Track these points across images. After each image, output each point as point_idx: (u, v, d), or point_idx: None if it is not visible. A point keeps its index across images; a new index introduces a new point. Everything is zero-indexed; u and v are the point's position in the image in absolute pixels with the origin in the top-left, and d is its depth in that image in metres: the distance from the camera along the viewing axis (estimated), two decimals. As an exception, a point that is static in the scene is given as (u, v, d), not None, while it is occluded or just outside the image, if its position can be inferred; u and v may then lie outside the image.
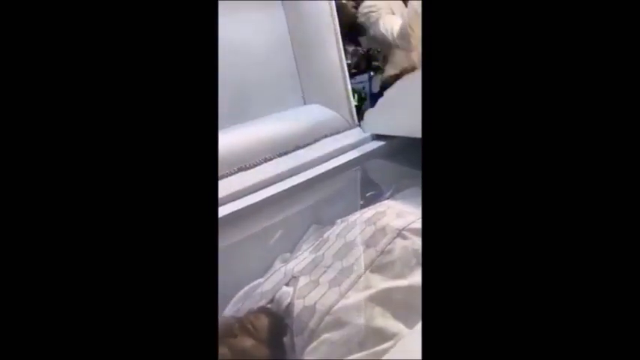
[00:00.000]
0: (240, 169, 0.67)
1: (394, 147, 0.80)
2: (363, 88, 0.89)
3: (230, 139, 0.70)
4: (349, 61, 0.81)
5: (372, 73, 0.87)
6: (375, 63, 0.84)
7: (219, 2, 0.72)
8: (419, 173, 0.35)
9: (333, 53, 0.76)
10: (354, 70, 0.79)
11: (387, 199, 0.71)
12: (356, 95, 0.82)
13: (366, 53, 0.84)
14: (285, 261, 0.64)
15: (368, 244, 0.54)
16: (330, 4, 0.74)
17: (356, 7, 1.00)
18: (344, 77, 0.78)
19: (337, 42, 0.76)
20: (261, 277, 0.62)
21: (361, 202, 0.76)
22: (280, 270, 0.58)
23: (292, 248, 0.70)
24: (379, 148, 0.79)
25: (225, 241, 0.66)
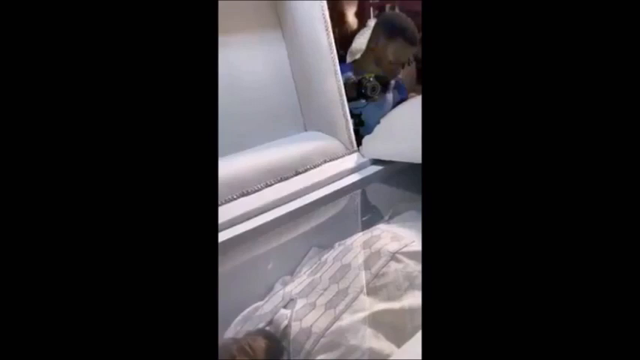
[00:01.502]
0: (243, 195, 0.70)
1: (392, 171, 0.83)
2: (360, 113, 0.93)
3: (233, 166, 0.73)
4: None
5: (363, 101, 0.91)
6: (365, 91, 0.88)
7: (227, 36, 0.76)
8: (415, 197, 0.36)
9: (332, 82, 0.80)
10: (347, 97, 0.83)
11: (385, 222, 0.74)
12: (354, 119, 0.86)
13: (357, 82, 0.88)
14: (286, 284, 0.66)
15: (363, 267, 0.56)
16: (328, 36, 0.78)
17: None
18: (342, 105, 0.82)
19: (335, 72, 0.80)
20: (262, 299, 0.63)
21: (360, 226, 0.78)
22: (279, 293, 0.60)
23: (293, 271, 0.72)
24: (377, 172, 0.82)
25: (228, 265, 0.69)
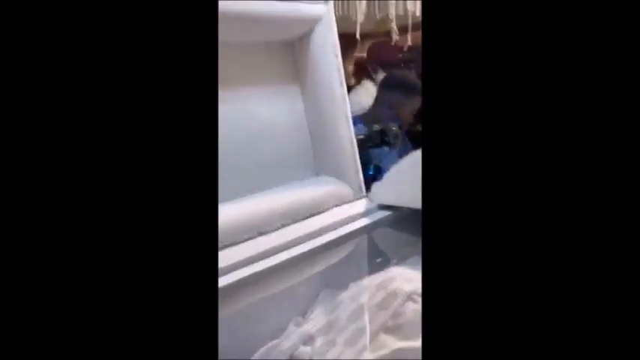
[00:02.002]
0: (260, 234, 0.73)
1: (399, 217, 0.87)
2: (381, 160, 0.99)
3: (250, 206, 0.76)
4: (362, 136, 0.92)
5: (386, 148, 0.97)
6: (388, 139, 0.95)
7: (249, 87, 0.82)
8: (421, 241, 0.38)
9: (345, 131, 0.86)
10: (370, 144, 0.89)
11: (394, 265, 0.76)
12: (372, 166, 0.91)
13: (381, 130, 0.95)
14: (299, 324, 0.67)
15: (380, 307, 0.59)
16: (342, 89, 0.85)
17: None
18: (353, 153, 0.87)
19: (347, 121, 0.86)
20: (275, 339, 0.64)
21: (367, 268, 0.81)
22: (297, 331, 0.61)
23: (304, 312, 0.73)
24: (385, 217, 0.86)
25: (241, 303, 0.70)
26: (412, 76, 1.20)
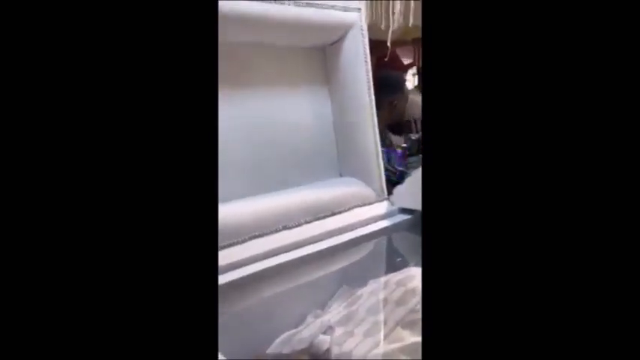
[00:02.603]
0: (285, 228, 0.76)
1: (419, 221, 0.89)
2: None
3: (276, 201, 0.79)
4: (405, 145, 0.95)
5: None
6: None
7: (279, 88, 0.86)
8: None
9: (370, 136, 0.88)
10: (409, 153, 0.93)
11: (413, 266, 0.78)
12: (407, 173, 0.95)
13: (417, 140, 0.98)
14: (318, 316, 0.69)
15: (398, 303, 0.61)
16: (370, 95, 0.88)
17: None
18: (377, 156, 0.90)
19: (373, 127, 0.89)
20: (294, 328, 0.67)
21: (385, 269, 0.83)
22: (316, 321, 0.64)
23: (324, 306, 0.76)
24: (405, 220, 0.88)
25: (265, 293, 0.73)
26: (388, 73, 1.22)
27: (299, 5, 0.73)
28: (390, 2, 0.90)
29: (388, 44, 0.89)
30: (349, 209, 0.86)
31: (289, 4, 0.70)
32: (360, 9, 0.85)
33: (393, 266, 0.82)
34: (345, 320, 0.61)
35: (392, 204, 0.91)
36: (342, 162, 0.94)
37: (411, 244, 0.91)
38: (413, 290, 0.62)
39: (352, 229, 0.82)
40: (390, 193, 0.92)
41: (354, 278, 0.81)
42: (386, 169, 1.09)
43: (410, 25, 0.90)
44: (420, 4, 0.90)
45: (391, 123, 1.34)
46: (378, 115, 0.94)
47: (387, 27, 0.91)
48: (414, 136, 1.00)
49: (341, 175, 0.94)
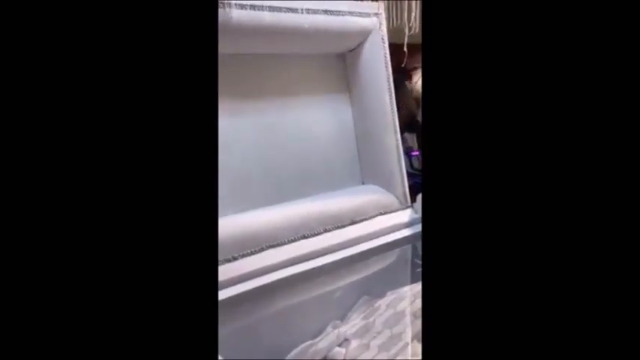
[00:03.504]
0: (303, 237, 0.76)
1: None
2: None
3: (296, 210, 0.79)
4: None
5: None
6: None
7: (300, 97, 0.86)
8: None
9: (391, 142, 0.87)
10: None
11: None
12: None
13: None
14: (337, 327, 0.68)
15: (416, 316, 0.59)
16: (391, 101, 0.86)
17: None
18: (399, 163, 0.87)
19: (395, 133, 0.87)
20: (312, 339, 0.66)
21: (409, 279, 0.80)
22: (333, 332, 0.63)
23: (343, 316, 0.74)
24: (429, 229, 0.85)
25: (283, 303, 0.73)
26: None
27: (315, 13, 0.73)
28: (406, 6, 0.88)
29: (404, 49, 0.86)
30: (371, 218, 0.84)
31: (303, 13, 0.70)
32: (379, 14, 0.84)
33: (414, 276, 0.79)
34: (362, 332, 0.60)
35: (415, 212, 0.88)
36: (364, 169, 0.93)
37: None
38: (432, 303, 0.59)
39: (373, 238, 0.81)
40: (413, 200, 0.89)
41: (375, 288, 0.79)
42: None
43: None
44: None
45: (404, 126, 1.31)
46: None
47: (405, 31, 0.89)
48: None
49: (363, 183, 0.93)
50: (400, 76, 1.29)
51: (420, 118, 1.28)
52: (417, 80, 1.29)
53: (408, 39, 0.95)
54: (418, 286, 0.65)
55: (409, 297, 0.63)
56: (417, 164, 1.20)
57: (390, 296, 0.67)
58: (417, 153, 1.22)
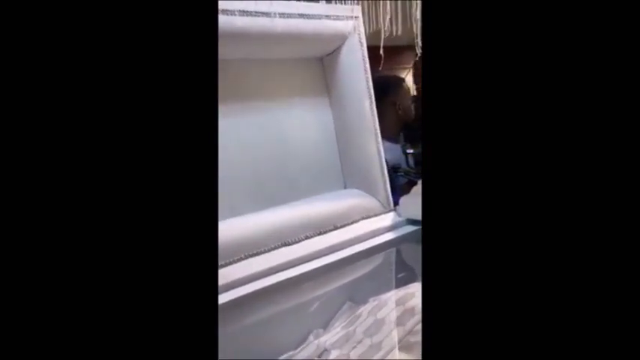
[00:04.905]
0: (284, 245, 0.74)
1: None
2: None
3: (276, 217, 0.78)
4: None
5: None
6: None
7: (279, 100, 0.85)
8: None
9: (372, 147, 0.86)
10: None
11: (419, 281, 0.75)
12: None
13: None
14: (319, 336, 0.67)
15: (397, 323, 0.58)
16: (371, 104, 0.85)
17: None
18: (381, 167, 0.87)
19: (376, 138, 0.86)
20: (295, 349, 0.65)
21: (394, 283, 0.79)
22: (313, 343, 0.61)
23: (326, 324, 0.73)
24: (412, 232, 0.85)
25: (264, 312, 0.71)
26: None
27: (289, 17, 0.72)
28: (381, 8, 0.87)
29: (381, 52, 0.86)
30: (353, 222, 0.83)
31: (276, 17, 0.69)
32: (356, 17, 0.83)
33: (397, 281, 0.78)
34: (343, 342, 0.59)
35: (399, 215, 0.87)
36: (346, 173, 0.92)
37: (418, 256, 0.87)
38: (412, 309, 0.58)
39: (356, 243, 0.80)
40: (396, 203, 0.88)
41: (359, 294, 0.78)
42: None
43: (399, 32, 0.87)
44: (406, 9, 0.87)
45: (400, 124, 1.32)
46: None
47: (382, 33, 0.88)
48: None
49: (345, 187, 0.92)
50: (397, 76, 1.30)
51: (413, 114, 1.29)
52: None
53: (395, 41, 0.95)
54: (400, 292, 0.65)
55: (390, 304, 0.62)
56: (412, 162, 1.20)
57: (371, 303, 0.66)
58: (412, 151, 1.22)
